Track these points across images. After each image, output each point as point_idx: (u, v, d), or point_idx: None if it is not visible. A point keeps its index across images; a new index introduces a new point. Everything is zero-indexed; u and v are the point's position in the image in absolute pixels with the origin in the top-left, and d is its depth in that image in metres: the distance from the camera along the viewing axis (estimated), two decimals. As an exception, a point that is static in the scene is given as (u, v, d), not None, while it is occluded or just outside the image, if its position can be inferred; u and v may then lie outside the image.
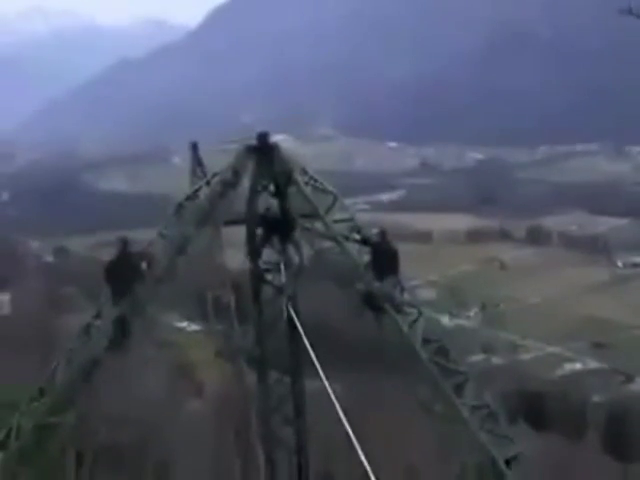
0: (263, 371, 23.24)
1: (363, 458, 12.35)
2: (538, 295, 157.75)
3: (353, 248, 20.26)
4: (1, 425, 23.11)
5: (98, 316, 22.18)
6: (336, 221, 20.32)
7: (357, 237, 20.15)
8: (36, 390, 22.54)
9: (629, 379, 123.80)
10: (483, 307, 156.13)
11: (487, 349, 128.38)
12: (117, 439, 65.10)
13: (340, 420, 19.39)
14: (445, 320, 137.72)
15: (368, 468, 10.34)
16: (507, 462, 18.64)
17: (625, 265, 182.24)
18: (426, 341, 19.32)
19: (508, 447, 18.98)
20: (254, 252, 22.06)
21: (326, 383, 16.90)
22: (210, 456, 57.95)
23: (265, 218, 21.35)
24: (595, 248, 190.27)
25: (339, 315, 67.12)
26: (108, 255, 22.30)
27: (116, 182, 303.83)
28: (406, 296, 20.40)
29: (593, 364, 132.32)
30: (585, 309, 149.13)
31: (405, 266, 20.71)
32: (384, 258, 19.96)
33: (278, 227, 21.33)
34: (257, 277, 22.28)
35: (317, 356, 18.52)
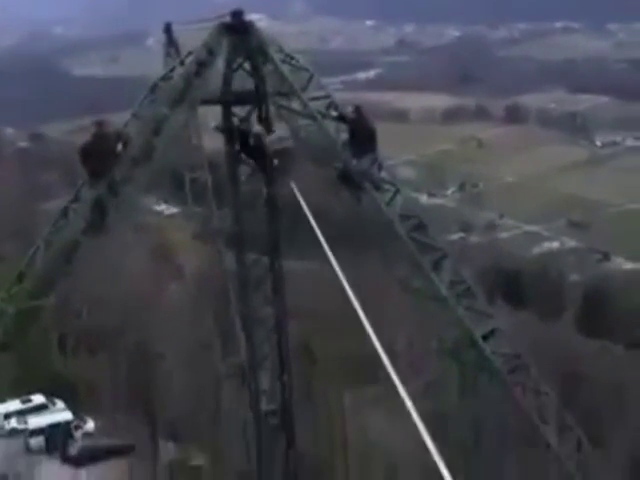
0: (241, 251, 23.28)
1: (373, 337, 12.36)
2: (516, 174, 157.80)
3: (330, 126, 20.07)
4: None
5: (75, 199, 22.06)
6: (312, 99, 20.09)
7: (334, 114, 19.93)
8: (15, 275, 22.55)
9: (606, 257, 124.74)
10: (461, 186, 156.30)
11: (465, 228, 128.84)
12: (99, 322, 65.66)
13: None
14: (424, 199, 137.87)
15: (378, 347, 10.33)
16: (484, 337, 18.87)
17: (604, 144, 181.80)
18: (404, 217, 19.33)
19: (485, 322, 19.20)
20: (230, 132, 21.86)
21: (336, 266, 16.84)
22: (190, 336, 58.64)
23: (240, 95, 21.10)
24: (574, 127, 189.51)
25: (317, 195, 67.08)
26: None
27: (92, 66, 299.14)
28: (384, 174, 20.32)
29: (570, 243, 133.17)
30: (563, 188, 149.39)
31: (382, 145, 20.56)
32: (362, 135, 19.78)
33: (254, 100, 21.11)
34: (233, 157, 22.13)
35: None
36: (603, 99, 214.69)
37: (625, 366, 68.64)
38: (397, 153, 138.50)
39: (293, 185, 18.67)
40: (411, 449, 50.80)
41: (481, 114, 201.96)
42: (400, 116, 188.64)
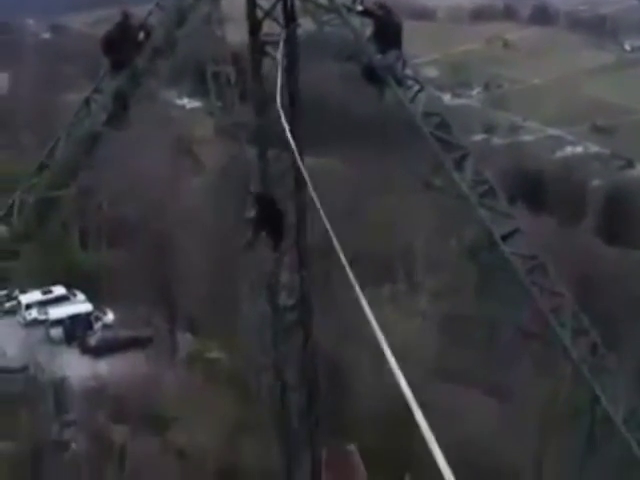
0: (263, 145, 23.17)
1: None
2: (542, 76, 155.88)
3: (355, 21, 19.75)
4: (4, 200, 23.29)
5: (97, 91, 21.96)
6: (338, -8, 19.74)
7: (360, 9, 19.59)
8: (36, 165, 22.58)
9: (629, 164, 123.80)
10: (486, 87, 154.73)
11: (489, 129, 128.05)
12: (120, 215, 65.99)
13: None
14: (447, 99, 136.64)
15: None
16: (504, 237, 18.83)
17: (633, 49, 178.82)
18: (427, 115, 19.13)
19: (506, 223, 19.15)
20: (254, 24, 21.56)
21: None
22: (211, 230, 58.85)
23: None
24: (603, 30, 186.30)
25: (340, 91, 66.55)
26: (108, 31, 21.81)
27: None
28: (408, 71, 20.07)
29: (594, 148, 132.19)
30: (589, 92, 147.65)
31: (408, 44, 20.26)
32: (387, 31, 19.46)
33: None
34: (257, 50, 21.86)
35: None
36: (633, 2, 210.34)
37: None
38: (422, 52, 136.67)
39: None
40: (424, 347, 51.63)
41: (509, 14, 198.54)
42: (426, 14, 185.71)
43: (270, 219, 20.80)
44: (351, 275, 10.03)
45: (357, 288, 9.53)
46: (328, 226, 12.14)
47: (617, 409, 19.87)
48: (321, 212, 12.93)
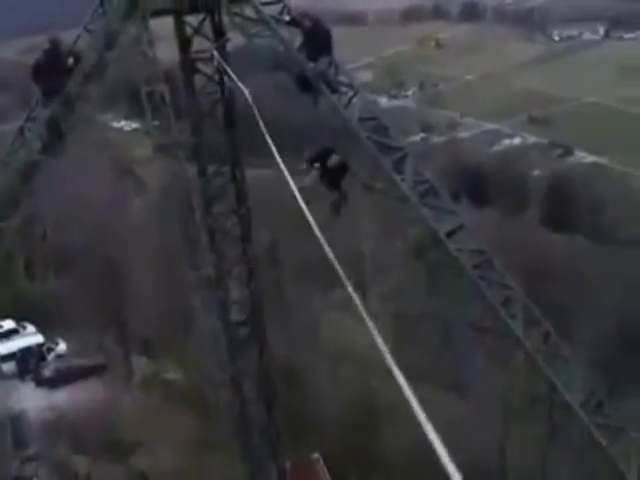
0: (202, 162, 23.16)
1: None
2: (475, 72, 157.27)
3: (284, 31, 19.78)
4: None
5: (30, 119, 21.80)
6: (264, 4, 19.78)
7: (287, 19, 19.63)
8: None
9: (568, 152, 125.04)
10: (421, 86, 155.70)
11: (426, 128, 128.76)
12: (64, 242, 65.35)
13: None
14: (384, 101, 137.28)
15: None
16: (448, 234, 18.96)
17: (561, 38, 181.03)
18: (363, 119, 19.20)
19: (449, 220, 19.27)
20: (184, 42, 21.56)
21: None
22: (157, 251, 58.49)
23: (192, 3, 20.75)
24: (531, 22, 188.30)
25: (274, 102, 66.49)
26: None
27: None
28: (342, 77, 20.14)
29: (532, 138, 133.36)
30: (522, 84, 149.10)
31: (339, 49, 20.35)
32: (316, 39, 19.51)
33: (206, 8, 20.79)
34: (189, 67, 21.86)
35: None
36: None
37: (590, 258, 69.54)
38: (355, 56, 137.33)
39: (246, 92, 18.34)
40: (372, 351, 51.67)
41: (439, 13, 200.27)
42: (357, 19, 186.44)
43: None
44: (343, 276, 10.02)
45: (350, 289, 9.55)
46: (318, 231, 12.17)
47: (573, 395, 20.06)
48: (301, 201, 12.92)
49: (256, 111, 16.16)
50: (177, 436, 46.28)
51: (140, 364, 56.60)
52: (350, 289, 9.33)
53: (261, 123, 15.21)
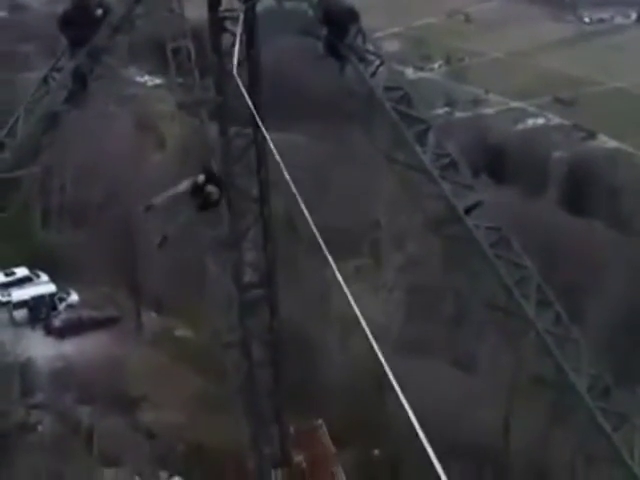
0: (224, 122, 23.08)
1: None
2: (502, 49, 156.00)
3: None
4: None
5: (56, 69, 21.69)
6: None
7: None
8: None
9: (591, 135, 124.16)
10: (447, 60, 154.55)
11: (450, 102, 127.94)
12: (83, 194, 65.42)
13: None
14: (409, 72, 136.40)
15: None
16: (467, 210, 18.85)
17: (592, 20, 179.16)
18: (388, 89, 19.09)
19: (469, 196, 19.16)
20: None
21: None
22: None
23: None
24: (562, 3, 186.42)
25: (301, 66, 66.15)
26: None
27: None
28: (369, 46, 20.01)
29: (555, 120, 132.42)
30: (549, 64, 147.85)
31: (368, 17, 20.23)
32: (338, 12, 19.39)
33: None
34: (216, 26, 21.75)
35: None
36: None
37: (607, 245, 69.27)
38: (383, 25, 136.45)
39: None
40: (390, 320, 51.86)
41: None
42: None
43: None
44: (326, 250, 10.07)
45: (332, 262, 9.57)
46: (300, 200, 12.17)
47: (580, 379, 20.00)
48: (291, 184, 12.98)
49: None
50: (184, 393, 46.49)
51: (150, 320, 56.77)
52: (332, 262, 9.33)
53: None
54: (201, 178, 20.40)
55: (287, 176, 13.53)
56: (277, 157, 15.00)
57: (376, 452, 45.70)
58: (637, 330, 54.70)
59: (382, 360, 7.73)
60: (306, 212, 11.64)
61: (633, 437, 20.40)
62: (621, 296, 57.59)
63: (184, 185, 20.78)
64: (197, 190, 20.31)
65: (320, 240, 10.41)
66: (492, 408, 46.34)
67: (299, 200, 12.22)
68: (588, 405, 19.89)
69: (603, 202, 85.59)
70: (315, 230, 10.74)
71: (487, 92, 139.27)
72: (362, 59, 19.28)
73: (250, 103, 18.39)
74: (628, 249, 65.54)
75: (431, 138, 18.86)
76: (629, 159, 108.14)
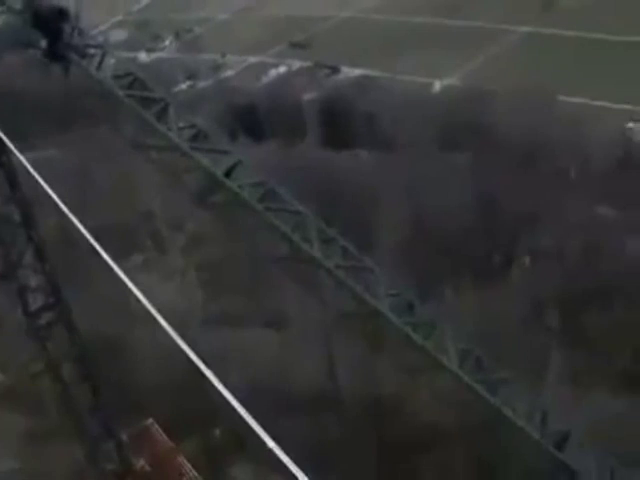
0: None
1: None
2: (227, 10, 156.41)
3: (17, 4, 19.16)
4: None
5: None
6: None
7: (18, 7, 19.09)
8: None
9: (335, 70, 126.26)
10: (176, 35, 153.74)
11: (191, 75, 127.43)
12: None
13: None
14: (143, 57, 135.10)
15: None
16: (227, 173, 18.86)
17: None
18: (117, 77, 18.85)
19: (225, 159, 19.15)
20: None
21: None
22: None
23: None
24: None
25: (31, 79, 64.25)
26: None
27: None
28: (89, 40, 19.68)
29: (297, 64, 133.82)
30: (277, 12, 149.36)
31: (85, 13, 19.87)
32: (46, 15, 19.01)
33: None
34: None
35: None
36: None
37: (375, 166, 71.24)
38: (104, 17, 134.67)
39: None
40: (191, 300, 51.90)
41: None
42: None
43: None
44: (100, 248, 9.94)
45: (107, 258, 9.45)
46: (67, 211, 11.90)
47: (382, 301, 20.50)
48: (55, 197, 12.72)
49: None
50: (11, 437, 45.25)
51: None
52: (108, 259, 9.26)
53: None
54: None
55: (45, 186, 13.23)
56: (32, 170, 14.61)
57: (217, 432, 45.74)
58: (426, 240, 56.66)
59: (178, 340, 7.71)
60: (71, 215, 11.44)
61: (445, 341, 21.11)
62: (403, 214, 59.39)
63: None
64: None
65: (92, 240, 10.27)
66: (314, 356, 47.10)
67: (62, 206, 11.99)
68: (395, 323, 20.45)
69: (362, 130, 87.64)
70: (85, 231, 10.58)
71: (224, 55, 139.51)
72: (83, 55, 18.95)
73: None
74: (396, 167, 67.51)
75: (172, 114, 18.74)
76: (375, 83, 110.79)
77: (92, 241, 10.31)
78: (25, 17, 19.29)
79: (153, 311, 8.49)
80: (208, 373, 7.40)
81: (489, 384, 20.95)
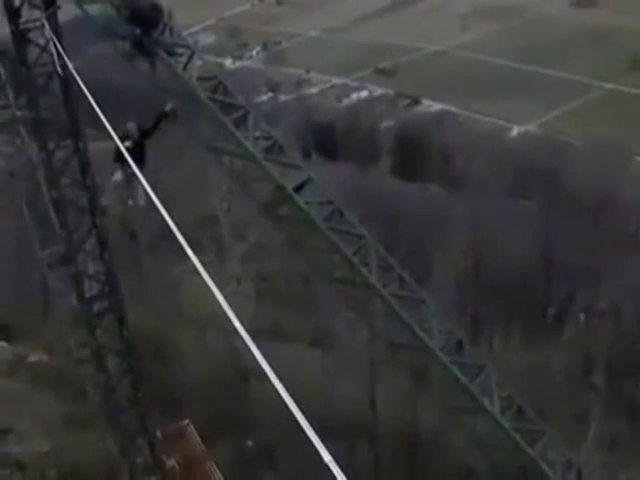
0: (42, 137, 22.52)
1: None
2: (318, 28, 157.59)
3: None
4: None
5: None
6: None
7: None
8: None
9: (415, 101, 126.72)
10: (264, 46, 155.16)
11: (274, 87, 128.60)
12: None
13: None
14: (228, 63, 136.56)
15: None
16: (296, 189, 18.95)
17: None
18: (202, 79, 18.99)
19: (296, 175, 19.24)
20: (12, 12, 20.83)
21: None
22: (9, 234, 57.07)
23: None
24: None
25: (115, 70, 65.20)
26: None
27: None
28: (178, 40, 19.85)
29: (379, 90, 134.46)
30: (367, 37, 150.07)
31: (179, 13, 20.13)
32: (142, 10, 19.18)
33: None
34: (20, 38, 21.15)
35: (105, 114, 17.83)
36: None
37: (442, 202, 70.97)
38: (195, 19, 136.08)
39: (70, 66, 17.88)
40: (243, 310, 51.98)
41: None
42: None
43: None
44: (187, 246, 9.99)
45: (196, 262, 9.51)
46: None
47: (432, 337, 20.41)
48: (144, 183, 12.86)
49: (82, 84, 15.76)
50: (47, 418, 45.59)
51: (2, 350, 55.27)
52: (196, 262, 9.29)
53: (89, 95, 14.84)
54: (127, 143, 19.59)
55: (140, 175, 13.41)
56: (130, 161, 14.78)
57: (250, 443, 45.76)
58: (483, 282, 56.37)
59: (250, 343, 7.68)
60: (164, 212, 11.50)
61: (490, 385, 20.96)
62: (463, 253, 59.18)
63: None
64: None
65: (181, 237, 10.33)
66: (356, 381, 46.95)
67: (155, 201, 12.07)
68: (442, 361, 20.33)
69: (434, 164, 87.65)
70: (175, 229, 10.63)
71: (308, 72, 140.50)
72: (171, 53, 19.12)
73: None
74: (463, 206, 67.29)
75: (251, 123, 18.85)
76: (454, 119, 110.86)
77: (181, 240, 10.29)
78: (119, 8, 19.49)
79: (231, 315, 8.43)
80: (278, 385, 7.32)
81: (528, 434, 20.77)
